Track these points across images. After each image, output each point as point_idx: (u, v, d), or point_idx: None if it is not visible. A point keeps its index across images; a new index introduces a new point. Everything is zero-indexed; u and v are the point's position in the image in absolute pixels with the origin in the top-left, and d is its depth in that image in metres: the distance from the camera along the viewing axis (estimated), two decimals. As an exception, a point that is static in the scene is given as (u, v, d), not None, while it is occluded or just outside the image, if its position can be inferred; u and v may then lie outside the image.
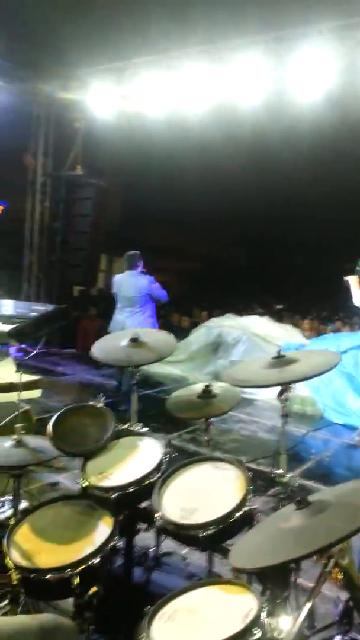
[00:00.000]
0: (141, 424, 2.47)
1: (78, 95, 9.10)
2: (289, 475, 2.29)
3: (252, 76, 6.92)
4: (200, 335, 8.40)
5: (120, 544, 2.02)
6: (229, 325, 8.28)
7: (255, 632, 1.45)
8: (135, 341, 2.49)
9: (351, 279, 5.50)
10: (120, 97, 8.46)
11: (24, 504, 2.59)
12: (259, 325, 8.15)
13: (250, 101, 7.23)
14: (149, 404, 6.47)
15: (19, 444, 2.13)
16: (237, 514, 1.89)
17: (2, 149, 10.74)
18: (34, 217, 10.38)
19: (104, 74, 8.22)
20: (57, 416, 2.25)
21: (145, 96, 8.05)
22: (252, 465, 4.49)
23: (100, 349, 2.54)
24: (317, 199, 12.50)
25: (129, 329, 6.04)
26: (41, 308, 3.33)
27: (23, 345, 2.63)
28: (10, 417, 2.99)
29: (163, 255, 13.71)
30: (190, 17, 6.51)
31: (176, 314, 10.71)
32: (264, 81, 6.97)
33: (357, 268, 5.51)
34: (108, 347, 2.58)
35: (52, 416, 2.24)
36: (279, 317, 10.62)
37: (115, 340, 2.66)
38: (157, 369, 7.69)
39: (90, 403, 2.40)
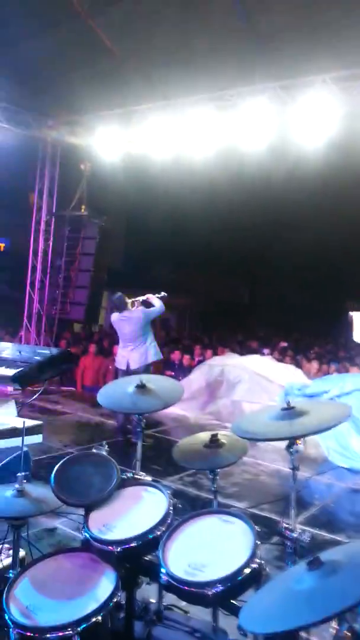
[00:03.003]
0: (144, 473, 2.42)
1: (84, 140, 9.34)
2: (298, 527, 2.22)
3: (258, 122, 7.14)
4: (202, 373, 8.33)
5: (121, 598, 1.95)
6: (230, 364, 8.23)
7: None
8: (141, 388, 2.46)
9: (356, 315, 5.52)
10: (126, 141, 8.68)
11: (21, 553, 2.51)
12: (260, 365, 8.10)
13: (255, 146, 7.44)
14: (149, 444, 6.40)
15: (21, 493, 2.07)
16: (246, 571, 1.83)
17: (8, 188, 11.02)
18: (38, 254, 10.51)
19: (110, 119, 8.47)
20: (60, 465, 2.21)
21: (151, 140, 8.27)
22: (256, 511, 4.41)
23: (106, 395, 2.51)
24: (320, 239, 12.71)
25: (134, 362, 6.11)
26: (45, 352, 3.32)
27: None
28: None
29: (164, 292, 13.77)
30: (197, 65, 6.77)
31: (177, 351, 10.65)
32: (268, 127, 7.19)
33: None
34: (114, 393, 2.56)
35: (54, 462, 2.19)
36: (282, 354, 10.58)
37: (121, 386, 2.63)
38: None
39: (94, 451, 2.35)
